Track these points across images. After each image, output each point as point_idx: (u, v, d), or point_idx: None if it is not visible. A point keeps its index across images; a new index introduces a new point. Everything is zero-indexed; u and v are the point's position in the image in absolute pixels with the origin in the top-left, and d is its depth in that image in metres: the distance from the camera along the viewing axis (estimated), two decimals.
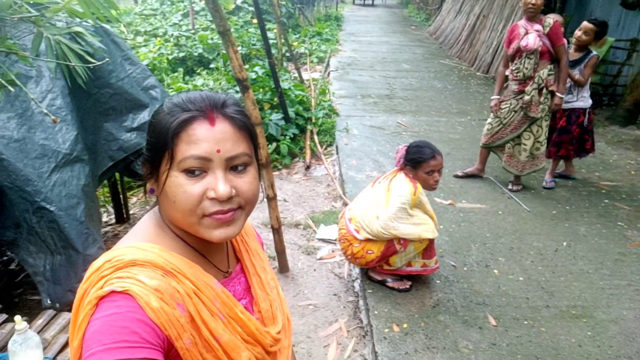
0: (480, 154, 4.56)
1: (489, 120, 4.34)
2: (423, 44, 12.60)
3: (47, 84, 2.61)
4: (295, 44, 10.26)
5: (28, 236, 2.56)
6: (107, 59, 2.80)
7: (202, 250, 0.91)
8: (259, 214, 3.99)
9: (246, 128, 0.85)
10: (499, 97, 4.25)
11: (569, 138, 4.24)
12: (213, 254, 0.94)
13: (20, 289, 3.08)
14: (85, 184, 2.61)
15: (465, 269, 3.19)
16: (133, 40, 9.80)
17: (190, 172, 0.79)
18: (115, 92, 3.02)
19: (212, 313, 0.84)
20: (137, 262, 0.80)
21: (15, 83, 2.37)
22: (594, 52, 4.13)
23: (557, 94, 3.94)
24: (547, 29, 3.82)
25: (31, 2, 2.60)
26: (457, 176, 4.57)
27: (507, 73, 4.19)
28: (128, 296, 0.75)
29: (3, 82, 2.31)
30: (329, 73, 8.89)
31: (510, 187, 4.34)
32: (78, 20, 2.85)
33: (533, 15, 3.85)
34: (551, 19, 3.89)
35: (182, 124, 0.79)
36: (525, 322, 2.70)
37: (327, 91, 7.31)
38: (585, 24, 4.11)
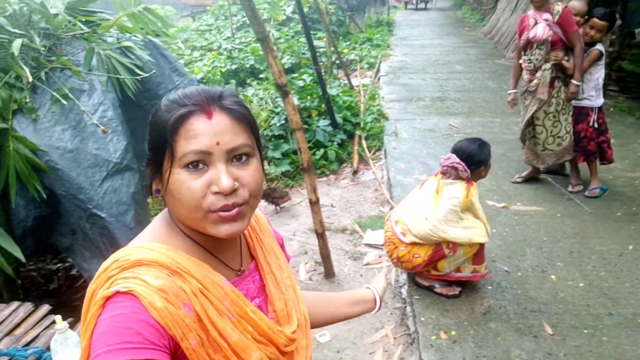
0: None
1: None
2: (477, 45, 12.25)
3: (99, 96, 2.73)
4: (345, 51, 10.28)
5: (83, 242, 2.70)
6: (155, 71, 2.92)
7: (211, 248, 0.90)
8: (306, 219, 3.99)
9: (245, 119, 0.84)
10: (515, 91, 4.15)
11: (575, 138, 3.95)
12: (224, 252, 0.93)
13: (79, 294, 3.24)
14: (135, 192, 2.71)
15: (519, 274, 3.03)
16: (190, 55, 10.18)
17: (192, 167, 0.79)
18: None
19: (220, 312, 0.83)
20: (144, 262, 0.79)
21: (69, 97, 2.52)
22: (597, 47, 3.79)
23: (573, 81, 3.70)
24: (557, 17, 3.61)
25: (84, 20, 2.76)
26: (516, 182, 4.32)
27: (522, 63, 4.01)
28: (132, 297, 0.75)
29: (58, 96, 2.45)
30: (379, 78, 8.83)
31: (570, 188, 4.09)
32: (128, 35, 2.99)
33: (540, 5, 3.66)
34: (560, 5, 3.67)
35: (180, 119, 0.79)
36: (585, 331, 2.52)
37: (376, 96, 7.26)
38: (596, 21, 3.76)
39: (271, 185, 4.61)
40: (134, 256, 0.80)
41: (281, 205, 4.30)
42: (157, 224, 0.91)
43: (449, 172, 2.71)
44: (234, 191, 0.80)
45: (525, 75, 3.97)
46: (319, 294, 1.30)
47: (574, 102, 3.88)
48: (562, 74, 3.79)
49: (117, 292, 0.75)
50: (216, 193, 0.79)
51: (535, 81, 3.83)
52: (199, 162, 0.79)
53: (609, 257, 3.14)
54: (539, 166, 4.16)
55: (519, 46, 3.98)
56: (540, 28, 3.64)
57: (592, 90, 3.89)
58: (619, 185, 4.16)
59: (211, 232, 0.82)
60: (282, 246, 1.13)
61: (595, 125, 3.92)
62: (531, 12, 3.79)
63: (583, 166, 4.10)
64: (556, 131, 3.89)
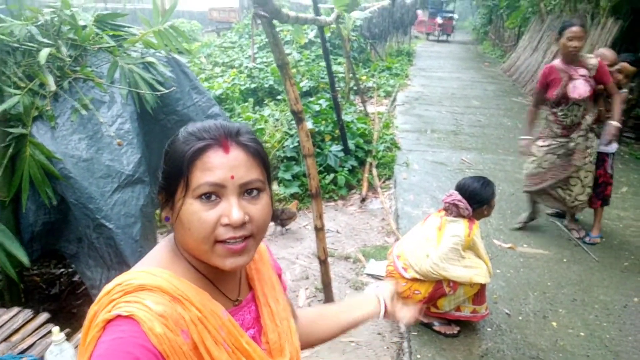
0: (528, 200, 4.22)
1: (529, 160, 4.02)
2: (495, 81, 12.31)
3: (118, 109, 2.79)
4: (364, 77, 10.38)
5: (88, 251, 2.73)
6: (174, 87, 2.98)
7: (212, 278, 0.92)
8: (311, 243, 3.99)
9: (259, 155, 0.87)
10: (531, 137, 3.97)
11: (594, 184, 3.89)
12: (224, 282, 0.95)
13: (80, 300, 3.26)
14: (143, 204, 2.75)
15: (520, 318, 2.99)
16: (211, 71, 10.35)
17: (205, 198, 0.81)
18: (181, 119, 3.18)
19: (216, 342, 0.84)
20: (146, 287, 0.81)
21: (89, 107, 2.58)
22: (624, 90, 3.82)
23: (613, 122, 3.64)
24: (594, 72, 3.55)
25: (111, 33, 2.84)
26: (515, 228, 4.19)
27: (548, 114, 3.86)
28: (133, 321, 0.76)
29: (78, 106, 2.52)
30: (395, 107, 8.89)
31: (575, 235, 4.05)
32: (152, 51, 3.07)
33: (573, 59, 3.57)
34: (594, 59, 3.60)
35: (197, 152, 0.82)
36: None
37: (391, 125, 7.30)
38: (627, 66, 3.81)
39: (279, 206, 4.63)
40: (136, 281, 0.82)
41: (287, 227, 4.31)
42: (162, 249, 0.93)
43: (451, 209, 2.72)
44: (243, 224, 0.82)
45: (557, 130, 3.79)
46: (322, 307, 1.29)
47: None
48: (595, 125, 3.75)
49: (118, 316, 0.77)
50: (226, 225, 0.81)
51: (572, 144, 3.72)
52: (212, 194, 0.82)
53: (612, 308, 3.10)
54: (561, 208, 4.09)
55: (539, 95, 3.85)
56: (581, 86, 3.55)
57: (608, 132, 3.84)
58: (628, 235, 4.12)
59: (216, 263, 0.84)
60: (279, 276, 1.14)
61: (610, 170, 3.91)
62: (559, 64, 3.67)
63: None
64: (587, 181, 3.84)
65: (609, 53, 3.94)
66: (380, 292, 1.29)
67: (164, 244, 0.94)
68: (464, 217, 2.69)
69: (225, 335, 0.86)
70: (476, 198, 2.69)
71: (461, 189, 2.74)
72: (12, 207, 2.46)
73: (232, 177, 0.82)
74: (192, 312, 0.83)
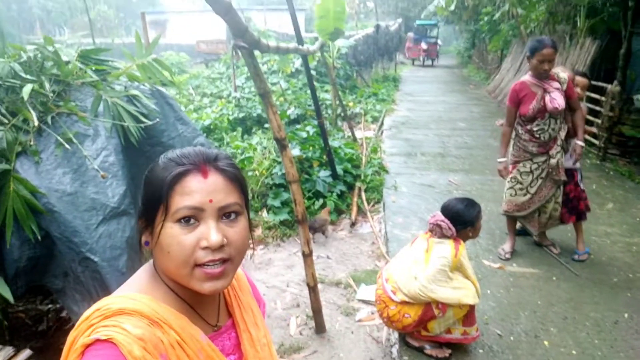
0: (508, 226, 4.11)
1: (508, 186, 3.92)
2: (481, 103, 12.51)
3: (103, 142, 2.81)
4: (350, 104, 10.51)
5: (75, 285, 2.70)
6: (158, 120, 3.01)
7: (192, 302, 0.93)
8: (301, 270, 3.97)
9: (237, 180, 0.89)
10: (506, 159, 3.88)
11: (564, 199, 3.90)
12: (203, 307, 0.96)
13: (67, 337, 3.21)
14: (129, 236, 2.73)
15: (512, 338, 2.98)
16: (200, 102, 10.44)
17: (184, 222, 0.83)
18: (166, 150, 3.18)
19: None
20: (125, 311, 0.82)
21: (73, 141, 2.59)
22: (583, 104, 3.89)
23: (578, 142, 3.70)
24: (565, 86, 3.58)
25: (93, 68, 2.88)
26: (506, 259, 4.01)
27: (521, 132, 3.75)
28: (112, 345, 0.77)
29: (62, 140, 2.53)
30: (382, 132, 8.98)
31: (554, 250, 4.08)
32: (136, 83, 3.10)
33: (548, 75, 3.56)
34: (564, 72, 3.66)
35: (177, 177, 0.84)
36: None
37: (378, 149, 7.37)
38: (581, 79, 3.92)
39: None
40: (115, 305, 0.83)
41: (326, 235, 4.56)
42: (142, 275, 0.94)
43: (435, 230, 2.73)
44: (221, 247, 0.84)
45: (533, 148, 3.70)
46: None
47: (566, 165, 3.84)
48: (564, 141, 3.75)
49: (97, 340, 0.78)
50: (205, 248, 0.83)
51: (553, 161, 3.68)
52: (191, 218, 0.83)
53: (603, 325, 3.09)
54: (536, 232, 4.02)
55: (512, 114, 3.76)
56: (559, 97, 3.53)
57: (573, 151, 3.84)
58: (616, 251, 4.14)
59: (195, 287, 0.85)
60: (259, 300, 1.15)
61: (581, 185, 3.93)
62: (529, 79, 3.63)
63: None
64: (557, 196, 3.84)
65: (583, 80, 4.02)
66: None
67: (143, 270, 0.95)
68: (448, 237, 2.70)
69: (203, 358, 0.87)
70: (460, 219, 2.70)
71: (445, 209, 2.75)
72: None
73: (211, 201, 0.84)
74: (170, 335, 0.84)
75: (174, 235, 0.83)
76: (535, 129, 3.66)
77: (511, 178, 3.90)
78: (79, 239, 2.51)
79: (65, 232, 2.49)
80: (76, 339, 0.82)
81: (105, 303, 0.85)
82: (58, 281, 2.73)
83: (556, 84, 3.58)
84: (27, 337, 3.11)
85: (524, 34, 12.30)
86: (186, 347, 0.85)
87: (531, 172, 3.78)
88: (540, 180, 3.77)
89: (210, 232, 0.83)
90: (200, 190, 0.84)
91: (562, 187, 3.85)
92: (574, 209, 3.92)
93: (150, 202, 0.86)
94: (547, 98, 3.54)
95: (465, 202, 2.76)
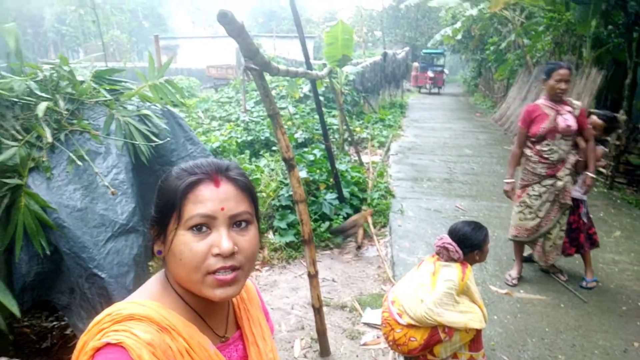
0: (515, 252, 4.08)
1: (517, 210, 3.91)
2: (487, 130, 12.56)
3: (114, 159, 2.85)
4: (357, 129, 10.60)
5: (80, 301, 2.70)
6: (169, 139, 3.05)
7: (201, 312, 0.94)
8: (307, 292, 3.95)
9: (247, 189, 0.92)
10: (514, 180, 3.90)
11: (567, 229, 3.89)
12: (212, 317, 0.97)
13: (72, 354, 3.19)
14: (137, 254, 2.75)
15: None
16: (209, 125, 10.56)
17: (196, 229, 0.85)
18: None
19: None
20: (135, 317, 0.84)
21: (85, 158, 2.64)
22: (600, 146, 3.86)
23: (589, 173, 3.71)
24: (577, 112, 3.64)
25: (107, 88, 2.95)
26: (513, 284, 3.99)
27: (530, 154, 3.78)
28: (121, 349, 0.78)
29: (74, 157, 2.57)
30: (388, 157, 9.03)
31: (562, 277, 4.06)
32: (148, 104, 3.17)
33: (561, 99, 3.62)
34: (578, 102, 3.73)
35: (190, 185, 0.87)
36: None
37: (385, 173, 7.39)
38: (594, 119, 3.90)
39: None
40: (126, 310, 0.84)
41: (358, 241, 4.63)
42: (153, 283, 0.96)
43: (442, 253, 2.72)
44: (232, 254, 0.85)
45: (542, 170, 3.71)
46: None
47: (573, 195, 3.85)
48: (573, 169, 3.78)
49: (107, 344, 0.79)
50: (216, 255, 0.85)
51: (560, 184, 3.69)
52: (203, 225, 0.86)
53: (612, 353, 3.04)
54: (544, 265, 4.00)
55: (524, 136, 3.80)
56: (571, 118, 3.60)
57: (583, 183, 3.85)
58: (624, 279, 4.10)
59: (206, 294, 0.87)
60: (266, 313, 1.16)
61: (584, 218, 3.90)
62: (543, 102, 3.69)
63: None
64: (562, 224, 3.83)
65: (600, 121, 3.96)
66: None
67: (155, 278, 0.97)
68: (455, 260, 2.69)
69: None
70: (467, 242, 2.69)
71: (452, 232, 2.75)
72: (4, 257, 2.46)
73: (223, 209, 0.86)
74: (179, 342, 0.85)
75: (186, 243, 0.85)
76: (544, 149, 3.68)
77: (520, 202, 3.90)
78: (87, 255, 2.53)
79: (74, 248, 2.51)
80: (87, 342, 0.83)
81: (116, 308, 0.86)
82: (64, 297, 2.73)
83: (569, 108, 3.64)
84: (32, 353, 3.10)
85: (530, 63, 12.43)
86: (194, 355, 0.86)
87: (540, 195, 3.77)
88: (548, 204, 3.77)
89: (222, 239, 0.85)
90: (212, 198, 0.86)
91: (567, 215, 3.84)
92: (575, 240, 3.91)
93: (164, 210, 0.89)
94: (560, 119, 3.60)
95: (473, 225, 2.76)
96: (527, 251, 4.21)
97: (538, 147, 3.72)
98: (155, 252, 0.93)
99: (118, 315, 0.84)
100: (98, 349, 0.79)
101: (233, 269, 0.86)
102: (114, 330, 0.81)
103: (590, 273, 3.96)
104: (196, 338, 0.88)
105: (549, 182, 3.74)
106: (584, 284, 3.93)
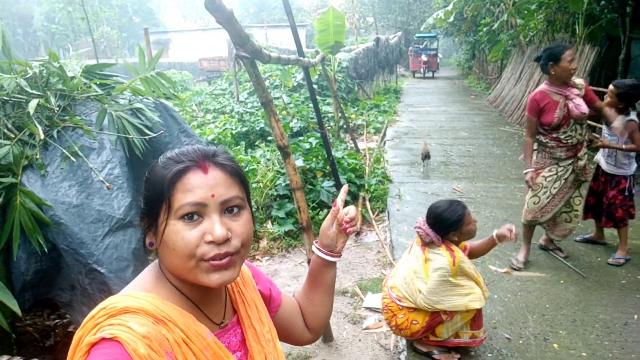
0: (524, 236, 4.00)
1: (531, 194, 3.83)
2: (482, 112, 12.54)
3: (108, 154, 2.84)
4: (353, 116, 10.57)
5: (82, 297, 2.70)
6: (162, 131, 3.04)
7: (197, 300, 0.93)
8: None
9: (237, 174, 0.90)
10: (533, 169, 3.80)
11: (607, 203, 3.93)
12: (208, 305, 0.96)
13: None
14: (135, 248, 2.75)
15: (520, 342, 2.95)
16: (203, 118, 10.52)
17: (187, 218, 0.84)
18: None
19: None
20: (130, 310, 0.83)
21: (79, 154, 2.62)
22: (632, 117, 3.74)
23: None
24: (582, 91, 3.60)
25: (98, 82, 2.92)
26: (517, 269, 3.93)
27: (546, 141, 3.71)
28: (117, 343, 0.77)
29: (67, 153, 2.56)
30: (384, 142, 9.01)
31: (561, 255, 4.08)
32: (140, 97, 3.14)
33: (567, 81, 3.56)
34: (579, 79, 3.67)
35: (177, 174, 0.85)
36: None
37: (381, 159, 7.39)
38: (610, 87, 3.79)
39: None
40: (120, 304, 0.83)
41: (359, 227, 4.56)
42: (146, 274, 0.94)
43: (421, 236, 2.72)
44: (226, 241, 0.84)
45: (561, 153, 3.67)
46: (303, 286, 1.26)
47: (607, 169, 3.90)
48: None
49: (102, 339, 0.78)
50: (210, 242, 0.84)
51: (582, 163, 3.68)
52: (194, 214, 0.84)
53: (613, 327, 3.07)
54: (562, 239, 4.04)
55: (533, 124, 3.71)
56: (582, 103, 3.53)
57: (625, 159, 3.84)
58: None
59: (202, 281, 0.85)
60: (270, 283, 1.16)
61: (626, 193, 3.88)
62: (548, 88, 3.61)
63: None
64: (574, 197, 3.86)
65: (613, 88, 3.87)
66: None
67: (148, 269, 0.95)
68: (433, 243, 2.68)
69: (210, 356, 0.87)
70: (441, 224, 2.62)
71: (428, 213, 2.70)
72: (2, 257, 2.45)
73: (213, 196, 0.85)
74: (176, 333, 0.84)
75: (178, 232, 0.84)
76: (562, 136, 3.63)
77: (535, 188, 3.83)
78: (86, 251, 2.53)
79: (72, 244, 2.51)
80: (82, 338, 0.82)
81: (110, 302, 0.85)
82: (65, 294, 2.74)
83: (575, 91, 3.57)
84: (35, 352, 3.10)
85: (523, 43, 12.37)
86: (192, 345, 0.85)
87: (557, 174, 3.73)
88: (563, 181, 3.73)
89: (215, 226, 0.84)
90: (201, 185, 0.85)
91: (579, 190, 3.86)
92: (612, 214, 3.93)
93: (153, 201, 0.87)
94: (571, 105, 3.52)
95: (448, 204, 2.65)
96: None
97: (554, 134, 3.67)
98: (147, 244, 0.92)
99: (112, 309, 0.82)
100: (93, 345, 0.78)
101: (227, 255, 0.85)
102: (109, 325, 0.80)
103: (621, 251, 3.96)
104: (193, 327, 0.87)
105: (568, 162, 3.70)
106: (610, 260, 3.96)
